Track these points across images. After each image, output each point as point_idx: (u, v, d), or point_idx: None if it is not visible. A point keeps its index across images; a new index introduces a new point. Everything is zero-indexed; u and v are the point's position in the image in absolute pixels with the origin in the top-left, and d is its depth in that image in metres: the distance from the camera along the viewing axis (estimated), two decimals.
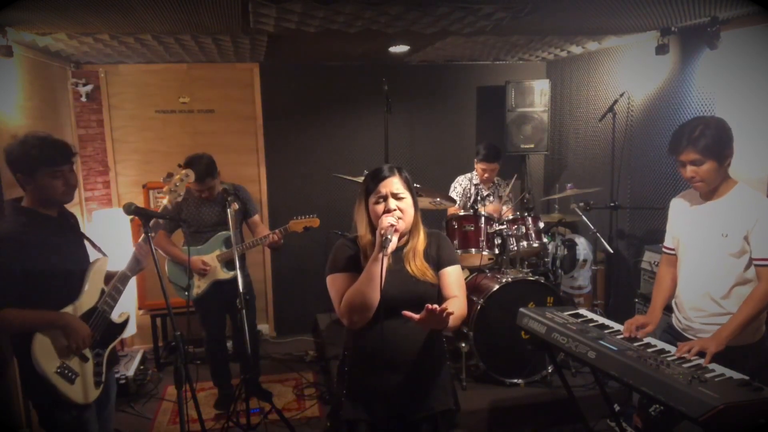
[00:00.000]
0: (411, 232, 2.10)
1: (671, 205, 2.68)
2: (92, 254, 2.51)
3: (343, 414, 2.09)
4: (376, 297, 1.92)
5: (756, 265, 2.32)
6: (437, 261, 2.12)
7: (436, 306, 1.81)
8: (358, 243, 2.11)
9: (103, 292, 2.41)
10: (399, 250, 2.08)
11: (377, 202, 2.03)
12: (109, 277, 2.46)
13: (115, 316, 2.48)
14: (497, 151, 4.51)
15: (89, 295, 2.35)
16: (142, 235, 2.42)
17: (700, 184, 2.42)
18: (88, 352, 2.31)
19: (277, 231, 3.62)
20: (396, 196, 2.02)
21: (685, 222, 2.56)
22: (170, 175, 2.81)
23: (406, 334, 2.02)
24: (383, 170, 2.06)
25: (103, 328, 2.38)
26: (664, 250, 2.72)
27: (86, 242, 2.50)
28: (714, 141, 2.31)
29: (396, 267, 2.05)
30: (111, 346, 2.44)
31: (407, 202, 2.04)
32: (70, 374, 2.24)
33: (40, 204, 2.28)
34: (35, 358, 2.18)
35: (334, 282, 2.07)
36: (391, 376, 2.03)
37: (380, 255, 1.90)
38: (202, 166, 3.47)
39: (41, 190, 2.24)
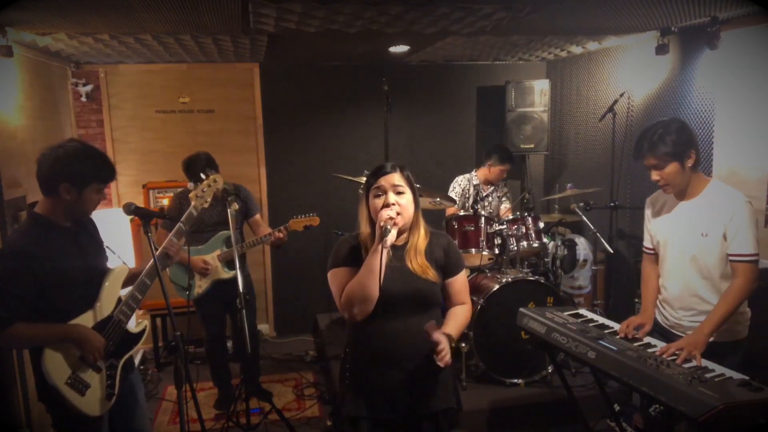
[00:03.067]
0: (411, 229, 2.11)
1: (647, 204, 2.70)
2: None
3: (344, 411, 2.09)
4: (376, 289, 1.94)
5: (731, 261, 2.35)
6: (445, 266, 2.14)
7: (439, 351, 1.92)
8: (360, 239, 2.12)
9: (119, 300, 2.34)
10: (400, 248, 2.09)
11: (377, 196, 2.05)
12: (132, 278, 2.39)
13: (132, 325, 2.40)
14: (510, 151, 4.66)
15: (104, 304, 2.28)
16: (167, 236, 2.45)
17: (666, 187, 2.46)
18: (101, 363, 2.24)
19: (282, 228, 3.63)
20: (396, 189, 2.03)
21: (664, 222, 2.58)
22: (197, 182, 2.75)
23: (407, 331, 2.03)
24: (384, 166, 2.09)
25: (119, 338, 2.30)
26: (644, 250, 2.74)
27: (107, 249, 2.45)
28: (673, 144, 2.35)
29: (397, 264, 2.06)
30: (126, 357, 2.36)
31: (407, 198, 2.05)
32: (80, 386, 2.18)
33: (60, 214, 2.19)
34: (45, 369, 2.12)
35: (335, 276, 2.08)
36: (392, 373, 2.04)
37: (380, 247, 1.92)
38: (202, 163, 3.52)
39: (80, 203, 2.18)
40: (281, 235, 3.60)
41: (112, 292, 2.33)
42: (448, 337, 1.98)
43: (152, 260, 2.35)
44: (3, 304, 2.05)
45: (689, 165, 2.39)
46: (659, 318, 2.65)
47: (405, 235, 2.11)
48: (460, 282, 2.18)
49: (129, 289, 2.37)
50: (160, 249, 2.41)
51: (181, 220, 2.55)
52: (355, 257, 2.07)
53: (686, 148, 2.37)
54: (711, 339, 2.29)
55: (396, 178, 2.05)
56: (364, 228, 2.11)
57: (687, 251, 2.46)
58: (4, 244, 2.25)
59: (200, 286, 3.68)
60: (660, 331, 2.61)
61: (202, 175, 2.78)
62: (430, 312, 2.08)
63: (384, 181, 2.04)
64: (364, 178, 2.24)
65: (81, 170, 2.14)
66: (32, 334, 2.12)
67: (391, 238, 1.94)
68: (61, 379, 2.14)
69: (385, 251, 1.93)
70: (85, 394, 2.19)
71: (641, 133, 2.46)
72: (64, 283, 2.16)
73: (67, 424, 2.25)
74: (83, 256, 2.26)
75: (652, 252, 2.69)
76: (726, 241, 2.35)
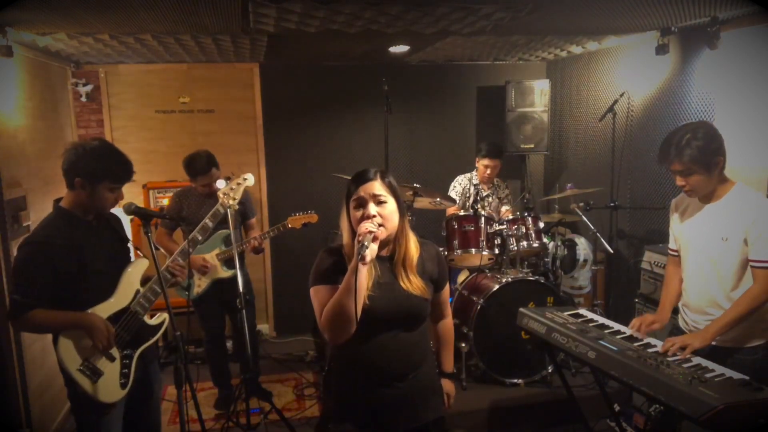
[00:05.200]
0: (397, 239, 1.96)
1: (671, 207, 2.66)
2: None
3: (331, 427, 2.03)
4: (354, 310, 1.77)
5: (751, 266, 2.29)
6: (437, 280, 2.07)
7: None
8: (344, 251, 1.96)
9: (137, 293, 2.42)
10: (387, 259, 1.97)
11: (356, 208, 1.89)
12: (147, 280, 2.48)
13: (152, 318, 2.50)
14: (499, 148, 4.59)
15: (121, 296, 2.38)
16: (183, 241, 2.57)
17: (691, 193, 2.42)
18: (115, 352, 2.33)
19: (257, 236, 3.67)
20: (376, 199, 1.88)
21: (686, 225, 2.54)
22: (226, 180, 2.88)
23: (396, 348, 1.94)
24: (364, 173, 1.93)
25: (135, 329, 2.39)
26: (669, 251, 2.70)
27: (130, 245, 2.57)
28: (700, 151, 2.28)
29: (388, 280, 1.93)
30: (143, 348, 2.44)
31: (390, 208, 1.89)
32: (92, 373, 2.27)
33: (80, 208, 2.32)
34: (59, 355, 2.24)
35: (316, 294, 1.93)
36: (380, 389, 1.95)
37: (358, 264, 1.74)
38: (203, 160, 3.55)
39: (94, 199, 2.30)
40: (256, 243, 3.65)
41: (131, 285, 2.42)
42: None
43: (173, 255, 2.52)
44: (23, 291, 2.17)
45: (716, 172, 2.33)
46: (680, 323, 2.61)
47: (391, 246, 1.96)
48: (446, 292, 2.16)
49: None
50: (163, 267, 2.49)
51: (157, 213, 2.62)
52: (337, 272, 1.90)
53: (714, 156, 2.30)
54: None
55: (376, 186, 1.89)
56: (347, 239, 1.94)
57: (706, 256, 2.41)
58: (29, 234, 2.39)
59: (199, 285, 3.68)
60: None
61: (232, 174, 2.84)
62: (419, 327, 2.00)
63: (363, 191, 1.88)
64: None
65: (94, 167, 2.27)
66: (48, 320, 2.23)
67: (371, 253, 1.76)
68: (73, 365, 2.25)
69: (364, 268, 1.78)
70: (97, 382, 2.27)
71: (667, 137, 2.38)
72: (82, 273, 2.25)
73: (82, 409, 2.35)
74: (103, 249, 2.37)
75: (675, 254, 2.64)
76: (747, 246, 2.28)
